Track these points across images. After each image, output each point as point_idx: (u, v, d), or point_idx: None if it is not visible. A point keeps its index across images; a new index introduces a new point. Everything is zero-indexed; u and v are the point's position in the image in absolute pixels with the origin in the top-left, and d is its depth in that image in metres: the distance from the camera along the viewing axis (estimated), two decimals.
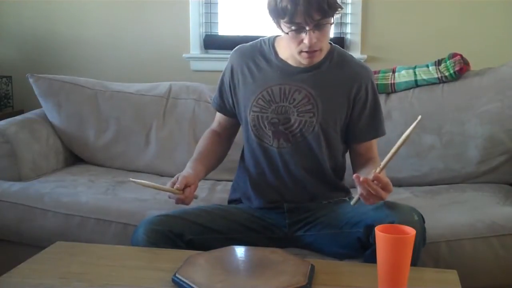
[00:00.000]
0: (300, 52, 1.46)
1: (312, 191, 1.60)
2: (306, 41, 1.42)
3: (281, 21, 1.43)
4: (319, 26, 1.42)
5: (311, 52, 1.46)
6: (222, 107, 1.71)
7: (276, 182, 1.60)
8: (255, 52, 1.62)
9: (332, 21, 1.44)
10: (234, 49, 1.67)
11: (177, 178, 1.50)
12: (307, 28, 1.41)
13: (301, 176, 1.58)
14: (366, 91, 1.56)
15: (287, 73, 1.56)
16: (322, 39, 1.45)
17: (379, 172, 1.32)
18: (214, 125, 1.76)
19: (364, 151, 1.61)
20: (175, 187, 1.48)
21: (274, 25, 1.49)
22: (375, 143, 1.62)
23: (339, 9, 1.42)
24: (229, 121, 1.72)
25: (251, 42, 1.66)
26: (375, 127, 1.60)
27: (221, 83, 1.69)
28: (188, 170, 1.56)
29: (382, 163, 1.33)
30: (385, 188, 1.32)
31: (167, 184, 1.52)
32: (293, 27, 1.42)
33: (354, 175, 1.32)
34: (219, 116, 1.75)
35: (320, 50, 1.48)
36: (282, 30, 1.47)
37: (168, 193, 1.50)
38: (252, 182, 1.64)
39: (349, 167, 1.68)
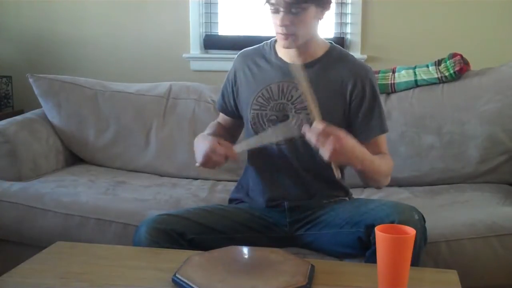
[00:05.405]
0: (277, 34, 1.52)
1: (311, 188, 1.60)
2: (278, 21, 1.48)
3: (266, 4, 1.51)
4: (295, 11, 1.46)
5: (284, 34, 1.50)
6: (224, 108, 1.75)
7: (276, 180, 1.61)
8: (256, 54, 1.66)
9: (310, 10, 1.47)
10: (238, 53, 1.71)
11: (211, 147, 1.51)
12: (281, 9, 1.46)
13: (300, 174, 1.59)
14: (363, 89, 1.56)
15: (286, 71, 1.57)
16: (297, 24, 1.48)
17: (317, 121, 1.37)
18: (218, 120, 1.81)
19: (371, 149, 1.57)
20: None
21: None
22: (381, 139, 1.60)
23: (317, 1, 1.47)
24: (231, 121, 1.76)
25: (254, 46, 1.70)
26: (377, 125, 1.58)
27: (224, 86, 1.74)
28: (208, 137, 1.57)
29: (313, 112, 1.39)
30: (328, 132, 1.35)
31: (199, 161, 1.54)
32: (270, 8, 1.49)
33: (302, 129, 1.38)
34: (221, 116, 1.79)
35: (295, 35, 1.50)
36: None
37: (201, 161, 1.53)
38: (254, 181, 1.66)
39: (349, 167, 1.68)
